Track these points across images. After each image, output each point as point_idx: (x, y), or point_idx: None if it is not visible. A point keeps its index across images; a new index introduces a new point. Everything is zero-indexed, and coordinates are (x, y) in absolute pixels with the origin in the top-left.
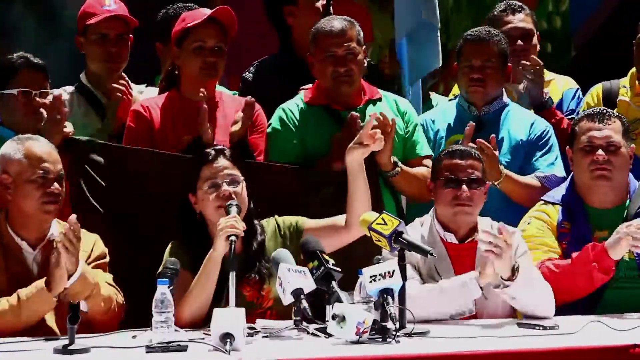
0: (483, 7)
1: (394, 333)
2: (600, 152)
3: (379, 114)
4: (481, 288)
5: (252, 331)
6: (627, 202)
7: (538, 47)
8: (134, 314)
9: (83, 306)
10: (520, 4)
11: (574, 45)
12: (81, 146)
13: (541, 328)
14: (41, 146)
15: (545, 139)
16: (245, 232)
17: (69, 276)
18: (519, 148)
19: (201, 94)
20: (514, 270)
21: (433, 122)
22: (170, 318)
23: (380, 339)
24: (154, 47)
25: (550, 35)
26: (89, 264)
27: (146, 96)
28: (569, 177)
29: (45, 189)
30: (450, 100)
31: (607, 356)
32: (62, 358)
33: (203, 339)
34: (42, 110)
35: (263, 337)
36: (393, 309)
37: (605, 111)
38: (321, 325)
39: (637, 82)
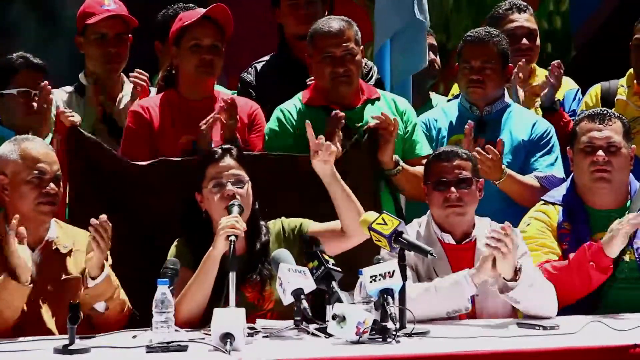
0: (483, 7)
1: (394, 333)
2: (600, 152)
3: (380, 114)
4: (475, 285)
5: (252, 331)
6: (628, 203)
7: (539, 49)
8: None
9: (101, 307)
10: (525, 3)
11: (574, 45)
12: (84, 139)
13: (541, 328)
14: (37, 147)
15: (546, 140)
16: (249, 232)
17: (94, 277)
18: (520, 148)
19: (222, 103)
20: (517, 271)
21: (435, 121)
22: (171, 318)
23: (381, 339)
24: (153, 47)
25: (550, 35)
26: None
27: (150, 95)
28: (570, 177)
29: (41, 190)
30: (449, 100)
31: (607, 356)
32: (62, 358)
33: (203, 339)
34: (33, 103)
35: (263, 337)
36: (393, 309)
37: (606, 112)
38: (321, 325)
39: (635, 81)
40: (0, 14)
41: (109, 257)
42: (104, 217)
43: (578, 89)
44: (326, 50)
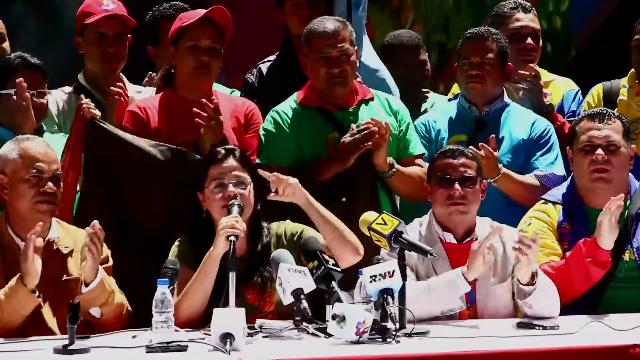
0: (483, 7)
1: (394, 333)
2: (599, 151)
3: (370, 119)
4: (469, 283)
5: (252, 331)
6: (628, 202)
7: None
8: (134, 314)
9: (97, 312)
10: (529, 4)
11: (574, 45)
12: (102, 131)
13: (541, 328)
14: (37, 146)
15: (545, 138)
16: (251, 233)
17: (88, 283)
18: (519, 148)
19: (196, 108)
20: (533, 275)
21: (434, 122)
22: (170, 318)
23: (380, 339)
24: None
25: (550, 35)
26: None
27: (144, 96)
28: (570, 177)
29: (39, 189)
30: (449, 99)
31: (607, 356)
32: (62, 358)
33: (203, 339)
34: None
35: (263, 337)
36: (393, 309)
37: (605, 111)
38: (321, 325)
39: (637, 81)
40: (1, 14)
41: (110, 259)
42: (97, 223)
43: (578, 90)
44: (321, 50)
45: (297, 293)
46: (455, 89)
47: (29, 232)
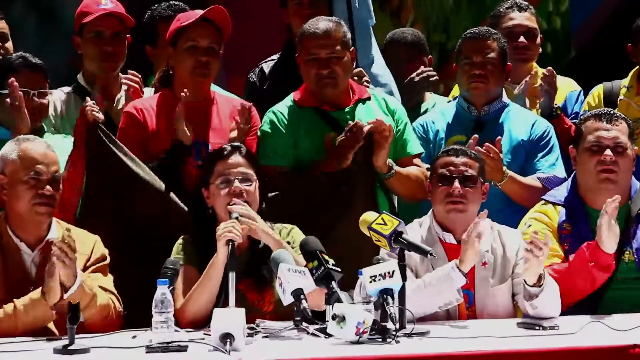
0: (483, 7)
1: (393, 333)
2: (608, 152)
3: (375, 119)
4: (464, 275)
5: (252, 331)
6: (628, 203)
7: (540, 49)
8: (134, 314)
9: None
10: (526, 3)
11: (574, 45)
12: (101, 139)
13: (541, 328)
14: (36, 147)
15: (546, 140)
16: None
17: (68, 288)
18: (519, 148)
19: (183, 94)
20: (540, 277)
21: (433, 123)
22: (170, 318)
23: (380, 339)
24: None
25: (550, 35)
26: (88, 266)
27: (146, 96)
28: (571, 177)
29: (37, 190)
30: (449, 101)
31: (607, 356)
32: (62, 358)
33: (203, 339)
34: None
35: (263, 337)
36: (393, 309)
37: (612, 112)
38: (321, 325)
39: (637, 82)
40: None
41: (108, 258)
42: (66, 234)
43: (580, 91)
44: (311, 51)
45: (297, 293)
46: (455, 91)
47: (29, 233)
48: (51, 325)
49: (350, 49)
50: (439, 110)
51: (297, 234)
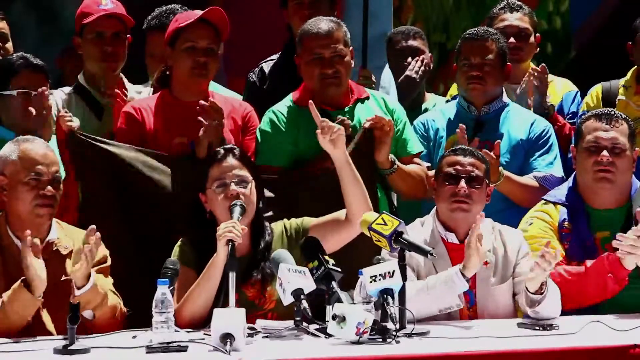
0: (483, 7)
1: (394, 333)
2: (605, 153)
3: (374, 116)
4: (467, 280)
5: (252, 331)
6: (629, 202)
7: (537, 48)
8: (134, 314)
9: (89, 315)
10: (519, 3)
11: (574, 45)
12: (83, 142)
13: (541, 328)
14: (36, 148)
15: (544, 139)
16: (253, 232)
17: (81, 287)
18: (518, 148)
19: (198, 106)
20: (542, 285)
21: (433, 122)
22: (171, 318)
23: (380, 339)
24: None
25: (550, 35)
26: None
27: (144, 96)
28: (571, 176)
29: (38, 192)
30: (447, 101)
31: (607, 356)
32: (62, 358)
33: (203, 339)
34: (30, 108)
35: (263, 337)
36: (393, 309)
37: (613, 112)
38: (321, 325)
39: (635, 82)
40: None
41: (109, 259)
42: (93, 227)
43: (577, 91)
44: (314, 51)
45: (297, 293)
46: (453, 90)
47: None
48: (50, 327)
49: (350, 48)
50: (439, 109)
51: (291, 222)
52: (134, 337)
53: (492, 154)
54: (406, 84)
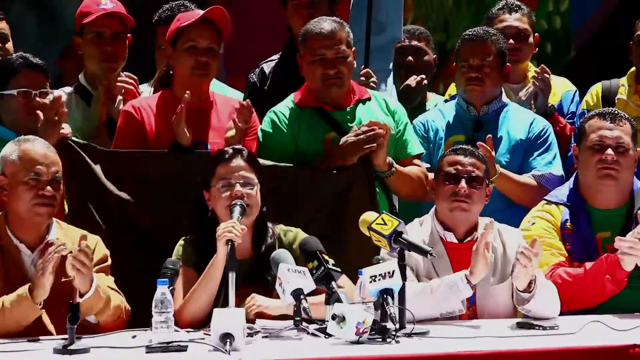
0: (483, 7)
1: (393, 333)
2: (609, 151)
3: (369, 122)
4: (472, 287)
5: (252, 331)
6: (629, 202)
7: (536, 48)
8: (134, 314)
9: (93, 319)
10: (518, 3)
11: (574, 45)
12: (77, 149)
13: (541, 328)
14: (37, 148)
15: (544, 138)
16: (256, 235)
17: (83, 294)
18: (518, 148)
19: (186, 95)
20: (531, 282)
21: (433, 122)
22: (170, 318)
23: (380, 339)
24: (153, 48)
25: (550, 35)
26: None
27: (144, 96)
28: (572, 176)
29: (37, 192)
30: (445, 100)
31: (607, 356)
32: (62, 358)
33: (203, 339)
34: (38, 111)
35: (263, 337)
36: (393, 309)
37: (616, 111)
38: (321, 325)
39: (635, 81)
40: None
41: (109, 259)
42: (83, 243)
43: (576, 91)
44: (317, 51)
45: (297, 293)
46: (452, 89)
47: (29, 234)
48: (50, 328)
49: (353, 49)
50: (439, 109)
51: (300, 234)
52: (134, 337)
53: (488, 147)
54: (406, 92)
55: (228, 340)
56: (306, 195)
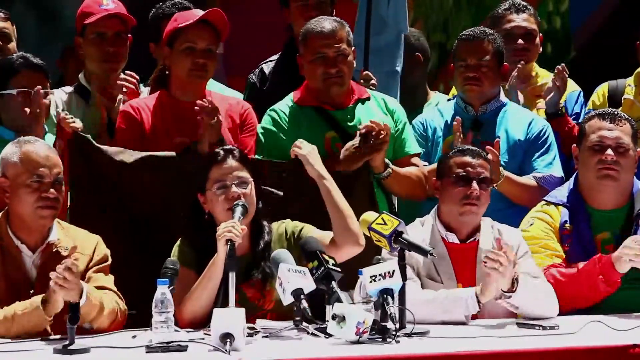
0: (483, 7)
1: (393, 333)
2: (609, 151)
3: (369, 121)
4: (480, 305)
5: (252, 331)
6: (629, 203)
7: (540, 49)
8: (134, 314)
9: (88, 326)
10: (524, 3)
11: (574, 46)
12: (86, 143)
13: (541, 328)
14: (38, 150)
15: (543, 138)
16: (253, 232)
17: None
18: (517, 148)
19: (197, 106)
20: (514, 282)
21: (431, 121)
22: (170, 318)
23: (380, 339)
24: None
25: (550, 35)
26: (91, 267)
27: (143, 96)
28: (572, 177)
29: (40, 194)
30: (449, 100)
31: (607, 356)
32: (62, 358)
33: (203, 339)
34: (24, 108)
35: (263, 337)
36: (393, 309)
37: (616, 112)
38: (321, 325)
39: None
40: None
41: (109, 258)
42: (69, 261)
43: (580, 91)
44: (318, 50)
45: (297, 293)
46: (455, 90)
47: (31, 235)
48: (49, 328)
49: (352, 48)
50: (438, 108)
51: (292, 224)
52: (134, 337)
53: (495, 150)
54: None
55: (228, 340)
56: (306, 195)
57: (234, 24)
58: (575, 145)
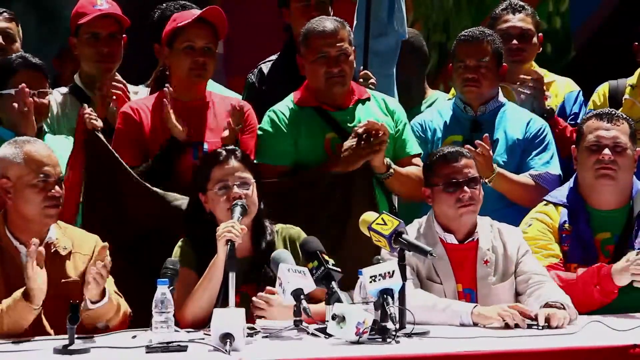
0: (483, 7)
1: (393, 333)
2: (606, 151)
3: (366, 121)
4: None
5: (252, 331)
6: (630, 203)
7: (540, 49)
8: (134, 314)
9: (102, 326)
10: (522, 3)
11: (574, 45)
12: (103, 145)
13: (541, 328)
14: (40, 149)
15: (541, 137)
16: (255, 233)
17: (96, 302)
18: (515, 147)
19: (166, 89)
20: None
21: (430, 122)
22: (170, 318)
23: (380, 339)
24: (151, 48)
25: (550, 35)
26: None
27: (141, 97)
28: (573, 177)
29: (46, 193)
30: (448, 99)
31: (607, 356)
32: (62, 358)
33: (203, 339)
34: (13, 104)
35: (263, 337)
36: (393, 309)
37: (613, 112)
38: (321, 325)
39: None
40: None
41: (109, 259)
42: (106, 245)
43: (579, 91)
44: (320, 50)
45: (297, 293)
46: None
47: (30, 235)
48: (50, 329)
49: (353, 48)
50: (437, 109)
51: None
52: (134, 337)
53: (485, 145)
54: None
55: (228, 340)
56: (306, 196)
57: (234, 24)
58: (573, 146)
